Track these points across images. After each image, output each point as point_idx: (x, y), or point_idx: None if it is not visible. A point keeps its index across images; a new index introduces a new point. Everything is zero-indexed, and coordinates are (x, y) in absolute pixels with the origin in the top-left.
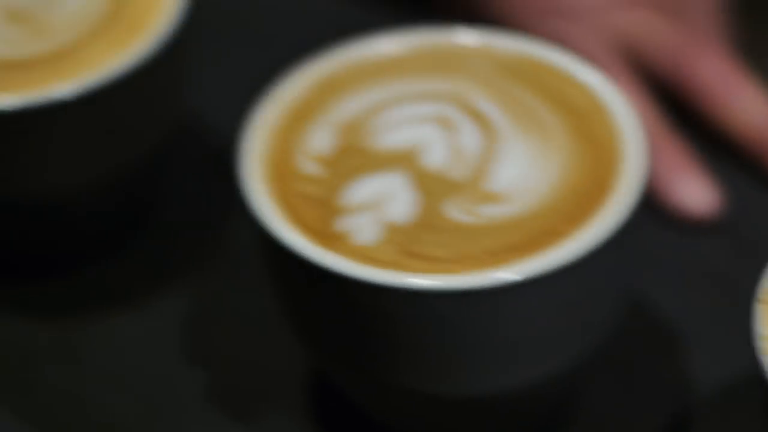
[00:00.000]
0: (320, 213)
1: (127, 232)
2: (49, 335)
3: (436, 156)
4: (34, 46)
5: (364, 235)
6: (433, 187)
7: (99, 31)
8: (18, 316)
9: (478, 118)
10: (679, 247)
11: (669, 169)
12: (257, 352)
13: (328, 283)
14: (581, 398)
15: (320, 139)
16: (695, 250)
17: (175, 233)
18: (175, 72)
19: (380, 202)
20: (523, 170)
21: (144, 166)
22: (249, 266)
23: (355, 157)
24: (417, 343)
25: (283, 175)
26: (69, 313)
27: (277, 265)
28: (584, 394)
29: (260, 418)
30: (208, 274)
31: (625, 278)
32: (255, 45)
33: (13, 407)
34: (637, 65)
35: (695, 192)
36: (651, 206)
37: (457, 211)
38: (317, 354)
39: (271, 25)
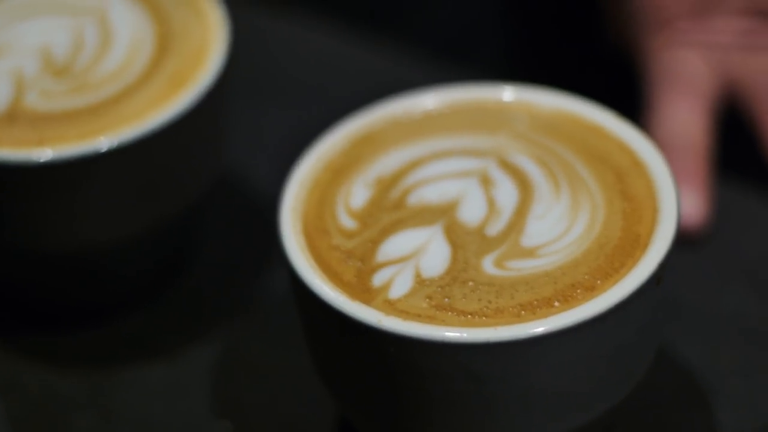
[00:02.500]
0: (356, 267)
1: (164, 282)
2: (80, 384)
3: (471, 211)
4: (75, 100)
5: (399, 289)
6: (467, 241)
7: (139, 86)
8: (51, 365)
9: (515, 173)
10: (706, 299)
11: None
12: (288, 403)
13: (361, 335)
14: None
15: (357, 194)
16: (722, 301)
17: (209, 284)
18: (214, 126)
19: (415, 256)
20: (557, 225)
21: (182, 218)
22: (282, 318)
23: (391, 212)
24: (447, 394)
25: (320, 229)
26: (101, 362)
27: (311, 317)
28: None
29: None
30: (241, 326)
31: (654, 331)
32: (296, 101)
33: None
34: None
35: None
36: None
37: (490, 265)
38: (348, 406)
39: (313, 82)
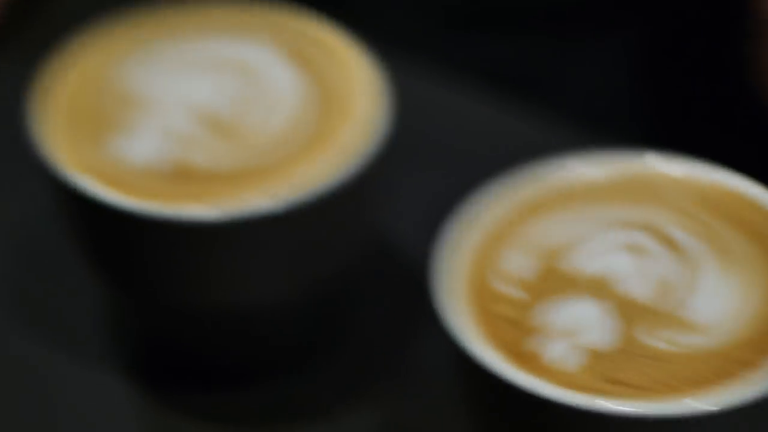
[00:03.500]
0: (516, 334)
1: (316, 346)
2: None
3: (633, 283)
4: (237, 160)
5: (561, 359)
6: (630, 314)
7: (303, 150)
8: (207, 424)
9: (676, 248)
10: None
11: None
12: None
13: (523, 404)
14: None
15: (518, 261)
16: None
17: (362, 350)
18: (373, 191)
19: (577, 326)
20: (720, 302)
21: (337, 282)
22: (438, 385)
23: (552, 281)
24: None
25: (480, 294)
26: (257, 423)
27: (472, 385)
28: None
29: None
30: (396, 393)
31: None
32: (446, 163)
33: None
34: None
35: None
36: None
37: (653, 340)
38: None
39: (462, 144)
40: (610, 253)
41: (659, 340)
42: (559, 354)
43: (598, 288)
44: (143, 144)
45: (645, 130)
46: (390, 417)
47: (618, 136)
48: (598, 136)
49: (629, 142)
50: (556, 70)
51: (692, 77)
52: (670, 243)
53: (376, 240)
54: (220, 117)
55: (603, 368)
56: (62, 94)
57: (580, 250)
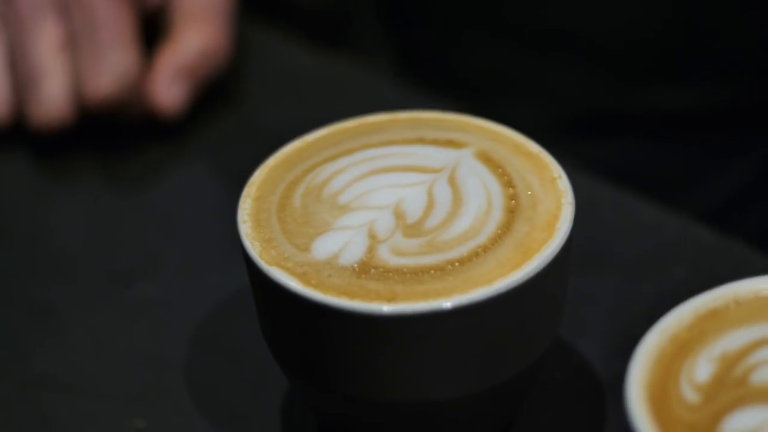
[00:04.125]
0: None
1: None
2: None
3: None
4: (425, 258)
5: None
6: None
7: (488, 249)
8: None
9: None
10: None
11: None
12: None
13: None
14: None
15: (702, 369)
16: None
17: None
18: (557, 292)
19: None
20: None
21: (518, 381)
22: None
23: (734, 389)
24: None
25: (664, 400)
26: None
27: None
28: None
29: None
30: None
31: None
32: (629, 276)
33: None
34: None
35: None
36: None
37: None
38: None
39: (647, 257)
40: None
41: None
42: None
43: None
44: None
45: None
46: None
47: None
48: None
49: None
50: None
51: None
52: None
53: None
54: (408, 214)
55: None
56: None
57: (762, 358)
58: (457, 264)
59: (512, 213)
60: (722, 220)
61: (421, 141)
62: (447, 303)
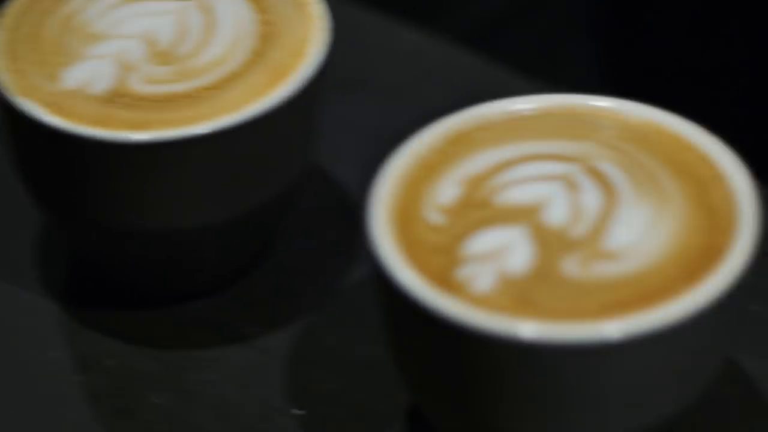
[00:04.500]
0: (441, 261)
1: (248, 268)
2: (158, 363)
3: (556, 213)
4: (177, 85)
5: (481, 284)
6: (551, 242)
7: (240, 75)
8: (129, 344)
9: (600, 179)
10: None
11: None
12: (362, 392)
13: (442, 328)
14: None
15: (447, 191)
16: None
17: (292, 273)
18: (309, 118)
19: (499, 253)
20: (639, 231)
21: (270, 207)
22: (362, 309)
23: (478, 210)
24: (522, 391)
25: (407, 222)
26: (179, 343)
27: (392, 308)
28: None
29: None
30: (321, 315)
31: (725, 341)
32: (389, 98)
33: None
34: None
35: None
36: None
37: (572, 266)
38: (422, 398)
39: (408, 80)
40: (535, 183)
41: (576, 267)
42: (478, 279)
43: (521, 216)
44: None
45: (599, 79)
46: (313, 338)
47: (566, 81)
48: (548, 82)
49: (579, 86)
50: (512, 15)
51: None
52: (596, 175)
53: (312, 169)
54: (160, 43)
55: (519, 293)
56: (9, 17)
57: (507, 181)
58: (208, 91)
59: (265, 39)
60: (484, 42)
61: None
62: (198, 129)
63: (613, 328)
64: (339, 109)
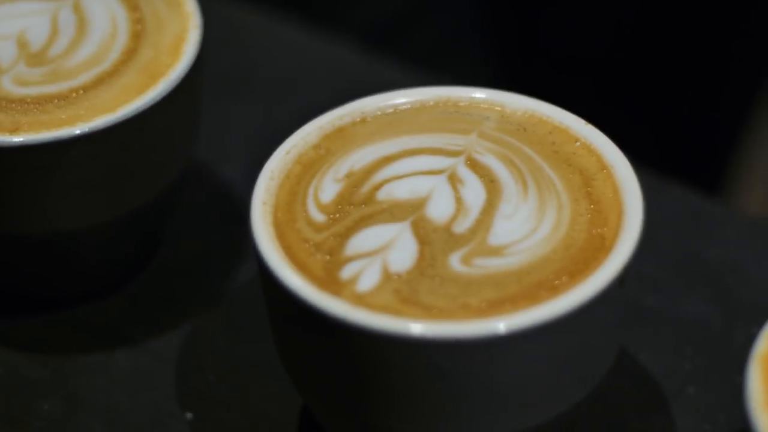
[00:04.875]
0: (325, 260)
1: (133, 271)
2: (45, 369)
3: (439, 208)
4: (49, 87)
5: (366, 282)
6: (435, 238)
7: (112, 75)
8: (15, 350)
9: (483, 172)
10: (669, 304)
11: None
12: (253, 394)
13: (327, 327)
14: None
15: (328, 188)
16: (685, 307)
17: (179, 274)
18: (186, 118)
19: (382, 250)
20: (524, 225)
21: (151, 208)
22: (250, 310)
23: (360, 207)
24: (411, 389)
25: (290, 221)
26: (67, 348)
27: (278, 308)
28: None
29: None
30: (209, 316)
31: (615, 333)
32: (269, 95)
33: None
34: None
35: None
36: (645, 264)
37: (457, 263)
38: (312, 398)
39: (287, 77)
40: (418, 178)
41: (462, 263)
42: (361, 277)
43: (404, 213)
44: None
45: (477, 71)
46: (202, 341)
47: (447, 74)
48: (428, 76)
49: (461, 81)
50: (405, 21)
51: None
52: (479, 169)
53: (195, 169)
54: (31, 43)
55: (404, 290)
56: None
57: (389, 177)
58: (81, 92)
59: (138, 37)
60: (373, 42)
61: None
62: (71, 131)
63: (499, 324)
64: (221, 107)
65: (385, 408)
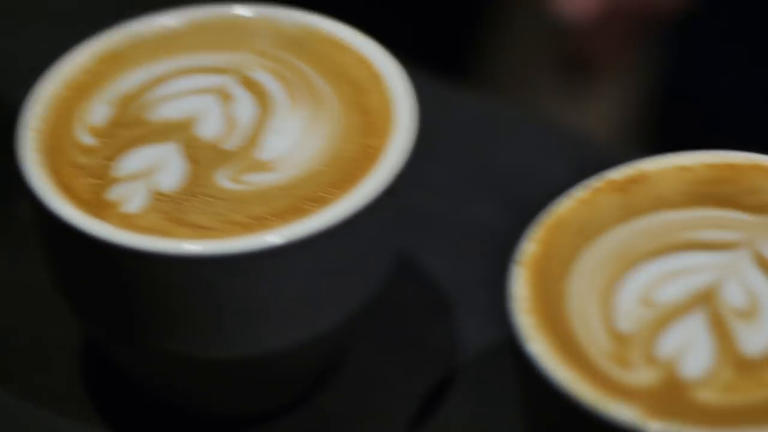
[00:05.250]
0: (93, 184)
1: None
2: None
3: (209, 126)
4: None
5: (134, 204)
6: (204, 156)
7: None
8: None
9: (255, 89)
10: (453, 210)
11: None
12: (32, 324)
13: (95, 251)
14: (347, 361)
15: (98, 112)
16: (470, 212)
17: None
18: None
19: (151, 171)
20: (293, 139)
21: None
22: (25, 239)
23: (130, 129)
24: (184, 307)
25: (58, 146)
26: None
27: (48, 235)
28: (350, 357)
29: (32, 387)
30: None
31: (391, 242)
32: (42, 22)
33: None
34: None
35: None
36: (429, 169)
37: (226, 180)
38: (89, 323)
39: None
40: (188, 97)
41: (230, 180)
42: (130, 199)
43: (174, 132)
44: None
45: None
46: None
47: None
48: None
49: None
50: None
51: None
52: (250, 85)
53: None
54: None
55: (172, 210)
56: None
57: (159, 97)
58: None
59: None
60: None
61: None
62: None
63: (266, 238)
64: None
65: (159, 327)
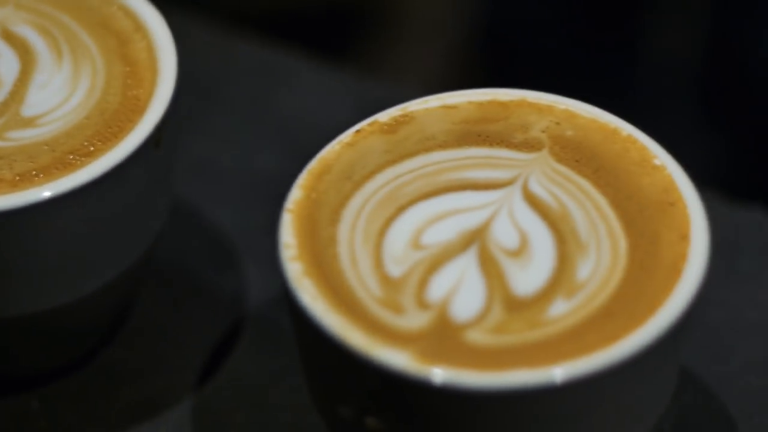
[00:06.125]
0: None
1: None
2: None
3: None
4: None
5: None
6: None
7: None
8: None
9: (16, 43)
10: (237, 160)
11: None
12: None
13: None
14: (134, 315)
15: None
16: (255, 161)
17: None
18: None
19: None
20: (58, 94)
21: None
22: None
23: None
24: None
25: None
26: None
27: None
28: (137, 311)
29: None
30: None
31: (163, 194)
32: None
33: None
34: None
35: None
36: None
37: None
38: None
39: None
40: None
41: None
42: None
43: None
44: None
45: None
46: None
47: None
48: None
49: None
50: None
51: None
52: (11, 39)
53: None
54: None
55: None
56: None
57: None
58: None
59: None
60: None
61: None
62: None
63: (37, 193)
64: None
65: None
